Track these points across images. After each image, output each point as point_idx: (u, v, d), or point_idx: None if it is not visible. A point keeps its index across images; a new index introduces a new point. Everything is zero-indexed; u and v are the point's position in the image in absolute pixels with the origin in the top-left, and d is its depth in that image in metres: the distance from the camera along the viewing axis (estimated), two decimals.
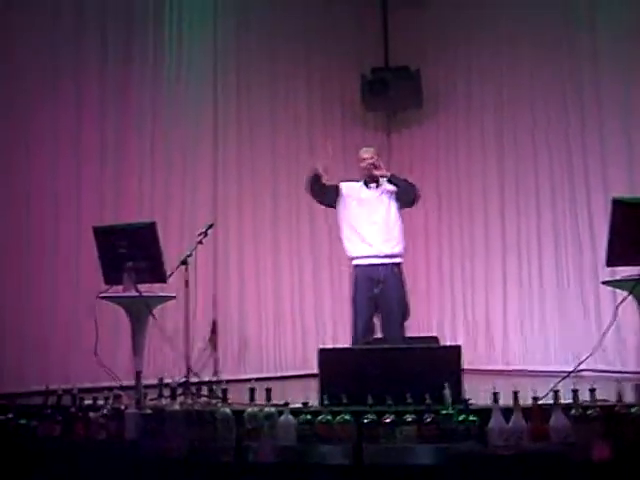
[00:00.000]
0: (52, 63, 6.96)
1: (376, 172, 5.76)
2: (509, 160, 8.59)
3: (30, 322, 6.52)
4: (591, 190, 7.72)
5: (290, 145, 8.78)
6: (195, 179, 7.96)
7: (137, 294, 4.71)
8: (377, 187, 5.80)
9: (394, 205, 5.78)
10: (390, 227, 5.72)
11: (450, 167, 9.18)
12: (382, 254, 5.65)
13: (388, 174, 5.79)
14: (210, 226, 6.16)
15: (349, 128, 9.08)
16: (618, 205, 4.40)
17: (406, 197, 5.82)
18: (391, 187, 5.79)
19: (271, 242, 8.56)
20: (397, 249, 5.73)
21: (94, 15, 7.29)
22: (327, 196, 5.83)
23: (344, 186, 5.85)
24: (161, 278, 4.88)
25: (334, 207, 5.88)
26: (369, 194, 5.80)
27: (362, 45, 9.48)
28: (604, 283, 5.02)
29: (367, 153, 5.86)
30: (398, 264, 5.73)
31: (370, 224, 5.69)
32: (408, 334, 5.86)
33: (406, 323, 5.78)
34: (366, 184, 5.83)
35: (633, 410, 3.71)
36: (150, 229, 4.83)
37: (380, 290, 5.60)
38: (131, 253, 4.76)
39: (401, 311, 5.68)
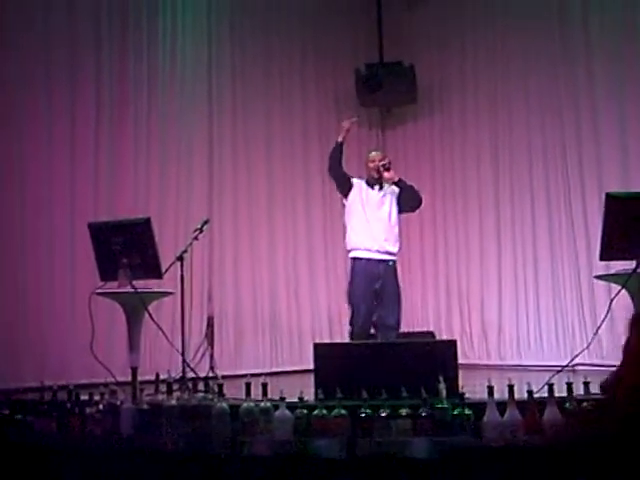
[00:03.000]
0: (46, 57, 6.94)
1: (387, 174, 5.90)
2: (503, 156, 8.61)
3: (26, 318, 6.53)
4: (586, 185, 7.74)
5: (285, 141, 8.80)
6: (190, 175, 7.96)
7: (133, 290, 4.72)
8: (380, 189, 5.94)
9: (395, 207, 5.95)
10: (392, 226, 5.91)
11: (445, 163, 9.20)
12: (383, 250, 5.81)
13: (397, 178, 5.94)
14: (206, 222, 6.16)
15: None
16: (611, 200, 4.43)
17: (412, 201, 6.03)
18: (395, 188, 5.95)
19: (266, 237, 8.57)
20: (396, 248, 5.91)
21: (88, 8, 7.28)
22: (343, 179, 5.94)
23: (355, 181, 5.99)
24: (156, 274, 4.88)
25: (345, 196, 5.96)
26: (374, 193, 5.94)
27: (356, 41, 9.50)
28: (597, 277, 5.05)
29: (379, 155, 6.05)
30: (395, 262, 5.89)
31: (376, 220, 5.84)
32: (405, 329, 5.91)
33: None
34: (368, 184, 5.95)
35: None
36: (145, 225, 4.83)
37: (380, 286, 5.73)
38: (126, 249, 4.76)
39: (398, 309, 5.79)
